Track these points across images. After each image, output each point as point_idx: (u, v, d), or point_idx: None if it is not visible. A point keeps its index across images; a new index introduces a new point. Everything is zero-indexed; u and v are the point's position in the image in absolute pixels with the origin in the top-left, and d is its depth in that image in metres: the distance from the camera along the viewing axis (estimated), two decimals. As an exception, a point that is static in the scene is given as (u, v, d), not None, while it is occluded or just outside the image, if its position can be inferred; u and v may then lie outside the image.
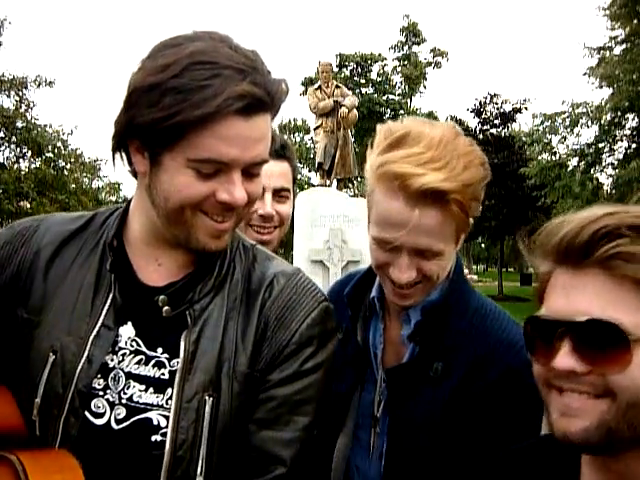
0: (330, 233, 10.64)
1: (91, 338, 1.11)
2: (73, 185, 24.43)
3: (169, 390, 1.08)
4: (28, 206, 22.77)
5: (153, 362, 1.11)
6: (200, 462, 1.06)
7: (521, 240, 0.98)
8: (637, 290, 0.82)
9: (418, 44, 40.09)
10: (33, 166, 23.98)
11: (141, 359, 1.11)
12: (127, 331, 1.13)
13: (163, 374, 1.10)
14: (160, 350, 1.11)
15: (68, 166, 24.52)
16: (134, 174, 1.15)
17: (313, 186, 15.83)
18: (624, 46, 23.64)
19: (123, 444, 1.07)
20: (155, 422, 1.07)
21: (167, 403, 1.08)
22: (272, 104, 1.06)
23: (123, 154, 1.12)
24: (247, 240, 1.26)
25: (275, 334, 1.12)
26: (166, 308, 1.12)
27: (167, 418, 1.07)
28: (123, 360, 1.11)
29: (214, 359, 1.09)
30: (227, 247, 1.17)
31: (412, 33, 39.77)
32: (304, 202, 11.45)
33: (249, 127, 1.02)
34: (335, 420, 1.43)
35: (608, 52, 24.17)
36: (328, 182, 11.90)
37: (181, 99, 0.98)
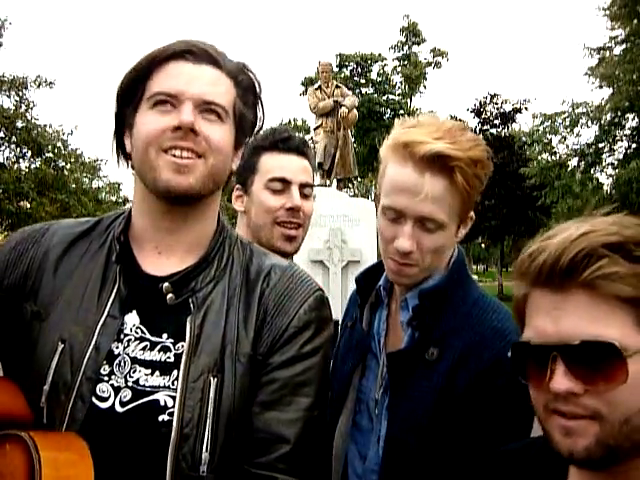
0: (330, 233, 10.64)
1: (98, 327, 1.17)
2: (73, 185, 24.39)
3: (175, 372, 1.14)
4: (28, 206, 22.75)
5: (159, 347, 1.17)
6: (206, 440, 1.11)
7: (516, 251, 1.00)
8: (622, 307, 0.84)
9: (418, 44, 40.07)
10: (33, 166, 23.96)
11: (146, 345, 1.17)
12: (132, 319, 1.19)
13: (169, 357, 1.16)
14: (165, 336, 1.18)
15: (68, 166, 24.50)
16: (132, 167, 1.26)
17: (313, 186, 15.82)
18: (624, 46, 23.63)
19: (129, 425, 1.12)
20: (162, 403, 1.13)
21: (173, 384, 1.13)
22: (223, 65, 1.21)
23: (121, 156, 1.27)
24: (244, 238, 1.34)
25: (274, 320, 1.19)
26: (170, 295, 1.19)
27: (174, 398, 1.12)
28: (128, 346, 1.17)
29: (218, 342, 1.16)
30: (223, 239, 1.27)
31: (412, 33, 39.74)
32: (304, 202, 11.45)
33: (195, 69, 1.18)
34: (336, 403, 1.48)
35: (608, 52, 24.17)
36: (328, 182, 11.90)
37: (142, 57, 1.19)
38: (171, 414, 1.11)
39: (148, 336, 1.18)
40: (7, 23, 22.95)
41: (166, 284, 1.19)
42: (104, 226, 1.30)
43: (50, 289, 1.22)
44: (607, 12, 23.46)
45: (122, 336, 1.18)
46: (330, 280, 10.52)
